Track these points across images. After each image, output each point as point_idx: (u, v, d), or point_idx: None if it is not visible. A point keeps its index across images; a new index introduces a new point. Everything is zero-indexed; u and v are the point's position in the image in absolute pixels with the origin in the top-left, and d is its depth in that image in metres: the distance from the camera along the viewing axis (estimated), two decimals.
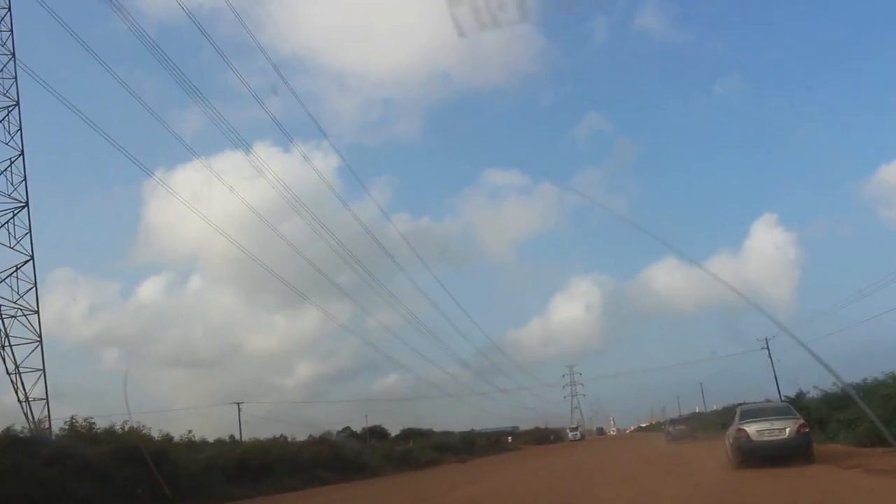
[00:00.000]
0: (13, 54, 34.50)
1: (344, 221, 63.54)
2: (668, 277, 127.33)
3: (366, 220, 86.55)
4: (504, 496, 19.77)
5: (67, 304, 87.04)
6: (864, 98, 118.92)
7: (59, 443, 22.78)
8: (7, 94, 34.15)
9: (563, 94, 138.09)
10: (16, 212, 33.64)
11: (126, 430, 25.28)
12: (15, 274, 32.94)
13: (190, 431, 31.75)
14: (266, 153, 66.79)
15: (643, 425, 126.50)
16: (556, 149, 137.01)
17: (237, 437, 45.23)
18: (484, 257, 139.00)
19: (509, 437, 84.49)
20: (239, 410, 58.67)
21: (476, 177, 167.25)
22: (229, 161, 71.78)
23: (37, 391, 31.80)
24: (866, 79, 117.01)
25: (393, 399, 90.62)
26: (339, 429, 64.68)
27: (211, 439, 36.54)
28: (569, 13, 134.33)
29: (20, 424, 24.10)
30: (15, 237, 33.37)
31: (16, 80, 34.45)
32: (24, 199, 33.95)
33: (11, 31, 34.86)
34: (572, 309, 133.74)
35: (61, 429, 25.52)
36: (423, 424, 73.58)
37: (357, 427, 67.43)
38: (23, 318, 32.65)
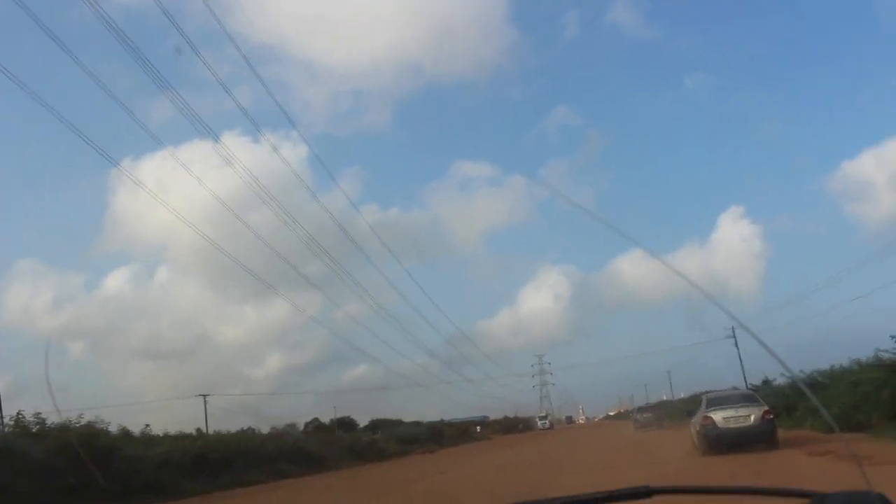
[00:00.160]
0: None
1: (313, 212, 62.46)
2: (634, 269, 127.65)
3: (335, 210, 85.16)
4: (470, 486, 19.25)
5: (32, 297, 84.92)
6: (829, 94, 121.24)
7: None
8: None
9: (534, 88, 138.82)
10: None
11: (79, 424, 24.54)
12: None
13: (147, 425, 30.76)
14: (235, 142, 65.29)
15: (612, 413, 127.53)
16: (525, 142, 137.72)
17: (204, 430, 44.54)
18: (453, 249, 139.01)
19: (478, 427, 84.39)
20: (205, 403, 57.70)
21: (445, 169, 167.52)
22: (198, 150, 69.98)
23: None
24: (832, 75, 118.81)
25: (362, 390, 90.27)
26: (308, 420, 64.27)
27: (177, 432, 35.80)
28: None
29: None
30: None
31: None
32: None
33: None
34: (541, 300, 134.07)
35: (6, 424, 24.47)
36: (393, 415, 73.27)
37: (325, 418, 66.83)
38: None
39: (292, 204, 76.54)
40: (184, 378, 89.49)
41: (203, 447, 28.76)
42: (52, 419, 24.17)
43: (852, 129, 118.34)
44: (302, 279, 67.48)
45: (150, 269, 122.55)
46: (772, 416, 19.31)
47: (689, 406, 40.92)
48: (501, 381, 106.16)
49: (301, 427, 57.05)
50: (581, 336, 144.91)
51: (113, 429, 27.10)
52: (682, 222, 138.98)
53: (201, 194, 60.31)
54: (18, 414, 23.07)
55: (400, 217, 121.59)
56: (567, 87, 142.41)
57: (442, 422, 78.87)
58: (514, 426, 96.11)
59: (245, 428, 41.29)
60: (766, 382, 40.49)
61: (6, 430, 23.93)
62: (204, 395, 57.89)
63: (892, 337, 21.18)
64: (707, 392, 26.21)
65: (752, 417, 18.93)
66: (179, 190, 60.08)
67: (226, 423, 57.32)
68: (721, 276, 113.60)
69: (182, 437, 31.42)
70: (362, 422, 70.79)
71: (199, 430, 43.85)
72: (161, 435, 32.34)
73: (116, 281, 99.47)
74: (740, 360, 59.81)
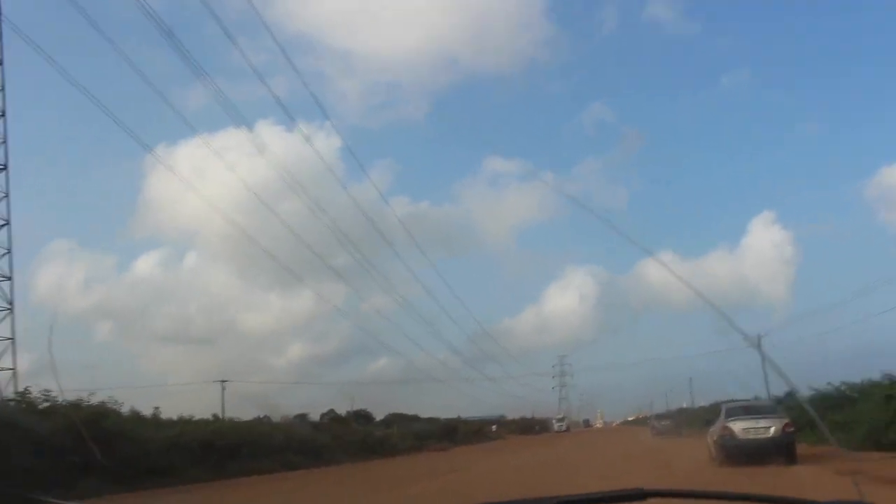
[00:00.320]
0: None
1: (343, 203, 62.45)
2: (662, 271, 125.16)
3: (365, 202, 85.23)
4: (474, 491, 18.72)
5: (63, 276, 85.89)
6: (869, 96, 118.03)
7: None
8: None
9: (570, 83, 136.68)
10: None
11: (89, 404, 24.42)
12: None
13: (157, 408, 30.54)
14: (269, 131, 65.24)
15: (630, 419, 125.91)
16: (559, 138, 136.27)
17: (221, 416, 44.48)
18: (481, 244, 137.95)
19: (494, 426, 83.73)
20: (222, 389, 57.76)
21: (478, 163, 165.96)
22: (232, 138, 70.25)
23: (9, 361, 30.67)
24: (872, 78, 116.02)
25: (382, 383, 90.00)
26: (324, 411, 64.11)
27: (197, 417, 35.82)
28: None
29: None
30: None
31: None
32: (3, 162, 32.64)
33: None
34: (566, 299, 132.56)
35: (11, 399, 24.38)
36: (411, 410, 72.76)
37: (342, 410, 66.64)
38: None
39: (323, 194, 76.49)
40: (207, 363, 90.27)
41: (211, 433, 28.51)
42: (66, 397, 24.27)
43: (892, 133, 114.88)
44: (329, 270, 67.32)
45: (180, 254, 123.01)
46: (792, 430, 18.85)
47: (709, 415, 40.09)
48: (521, 380, 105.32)
49: (317, 418, 56.96)
50: (604, 338, 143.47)
51: (125, 410, 27.13)
52: (713, 225, 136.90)
53: (233, 182, 60.38)
54: (25, 389, 22.95)
55: (430, 211, 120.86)
56: (603, 83, 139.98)
57: (458, 419, 78.42)
58: (530, 427, 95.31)
59: (262, 416, 41.24)
60: (790, 394, 39.31)
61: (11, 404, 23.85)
62: (222, 381, 58.17)
63: None
64: (727, 401, 25.81)
65: (773, 430, 18.56)
66: (212, 177, 60.48)
67: (244, 410, 57.38)
68: (751, 282, 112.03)
69: (190, 422, 31.14)
70: (379, 415, 70.47)
71: (215, 415, 43.93)
72: (174, 419, 32.23)
73: (147, 264, 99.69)
74: (764, 369, 58.48)
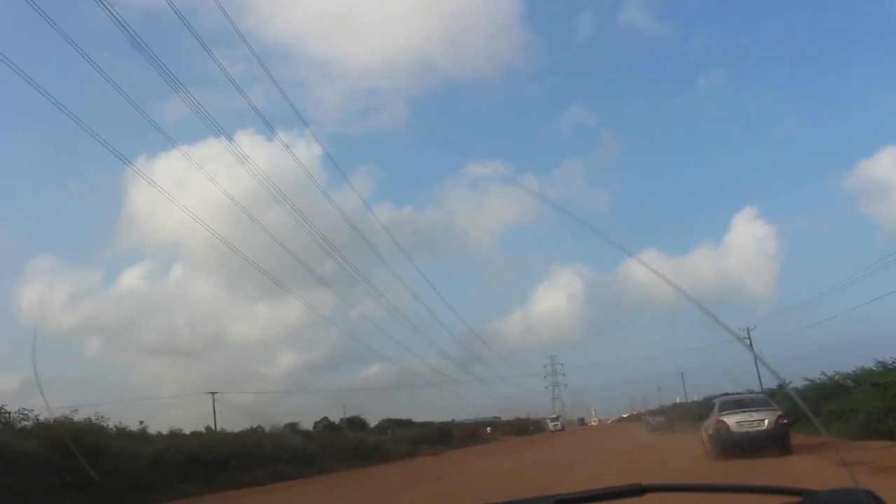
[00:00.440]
0: None
1: (327, 211, 62.15)
2: (648, 270, 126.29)
3: (348, 209, 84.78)
4: (468, 494, 18.32)
5: (48, 293, 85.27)
6: (845, 92, 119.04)
7: None
8: None
9: (548, 87, 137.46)
10: None
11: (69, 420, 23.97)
12: None
13: (142, 422, 30.02)
14: (250, 141, 64.71)
15: (624, 416, 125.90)
16: (539, 141, 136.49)
17: (212, 428, 44.01)
18: (466, 248, 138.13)
19: (488, 428, 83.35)
20: (213, 401, 57.26)
21: (459, 167, 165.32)
22: (212, 149, 69.59)
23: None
24: (848, 74, 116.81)
25: (374, 389, 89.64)
26: (317, 419, 63.57)
27: (189, 430, 35.65)
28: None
29: None
30: None
31: None
32: None
33: None
34: (554, 299, 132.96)
35: None
36: (405, 415, 72.44)
37: (335, 418, 66.17)
38: None
39: (306, 203, 76.28)
40: (197, 375, 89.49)
41: (198, 446, 28.00)
42: (53, 414, 23.76)
43: (869, 126, 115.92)
44: (315, 278, 66.78)
45: (166, 267, 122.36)
46: (786, 422, 19.01)
47: (703, 409, 40.04)
48: (513, 382, 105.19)
49: (310, 426, 56.50)
50: (594, 337, 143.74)
51: (112, 425, 26.71)
52: (696, 223, 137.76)
53: (215, 193, 59.73)
54: (1, 409, 22.37)
55: (413, 216, 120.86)
56: (581, 87, 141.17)
57: (452, 423, 78.01)
58: (524, 428, 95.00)
59: (255, 426, 40.77)
60: (782, 386, 39.28)
61: None
62: (212, 393, 57.64)
63: None
64: (720, 395, 25.70)
65: (766, 422, 18.71)
66: (194, 188, 59.40)
67: (237, 421, 57.02)
68: (735, 278, 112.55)
69: (176, 436, 30.64)
70: (373, 422, 70.08)
71: (208, 427, 43.44)
72: (162, 433, 31.73)
73: (132, 278, 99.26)
74: (756, 362, 58.54)
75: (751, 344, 59.19)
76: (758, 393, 28.65)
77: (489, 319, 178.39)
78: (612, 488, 1.94)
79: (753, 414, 19.13)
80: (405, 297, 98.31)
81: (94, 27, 76.60)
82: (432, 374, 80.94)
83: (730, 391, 32.88)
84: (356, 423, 67.09)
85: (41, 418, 23.92)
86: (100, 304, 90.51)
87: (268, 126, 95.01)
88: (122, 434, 26.81)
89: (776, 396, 33.07)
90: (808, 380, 30.08)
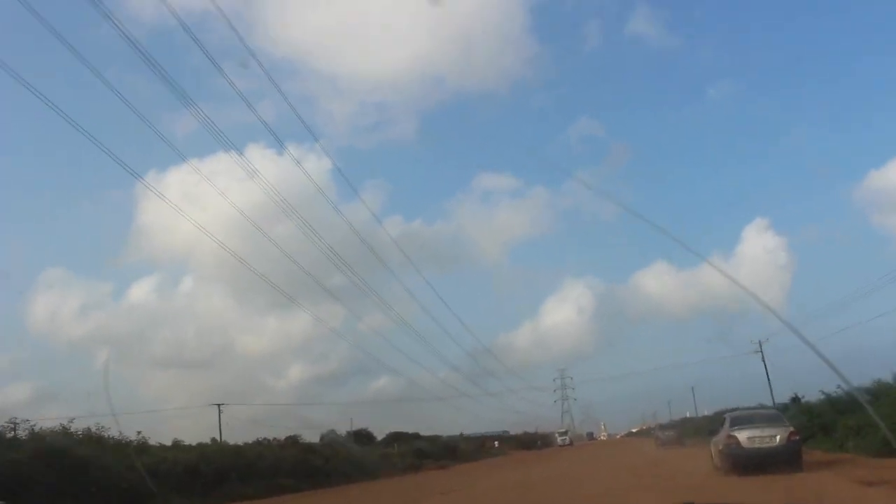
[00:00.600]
0: None
1: (337, 224, 62.00)
2: (658, 281, 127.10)
3: (358, 222, 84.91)
4: None
5: (59, 305, 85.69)
6: (854, 103, 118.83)
7: None
8: None
9: (556, 98, 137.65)
10: None
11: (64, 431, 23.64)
12: None
13: (139, 433, 29.46)
14: (260, 155, 64.87)
15: (634, 430, 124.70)
16: (548, 153, 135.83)
17: (218, 439, 43.49)
18: (476, 260, 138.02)
19: (496, 442, 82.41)
20: (219, 412, 56.75)
21: (469, 180, 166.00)
22: (223, 163, 69.70)
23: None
24: (857, 83, 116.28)
25: (383, 402, 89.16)
26: (324, 432, 62.95)
27: (195, 442, 35.19)
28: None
29: None
30: None
31: None
32: None
33: None
34: (564, 312, 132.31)
35: None
36: (413, 428, 71.63)
37: (342, 430, 65.51)
38: None
39: (316, 216, 76.13)
40: (206, 387, 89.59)
41: (197, 458, 27.39)
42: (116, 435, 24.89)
43: (879, 137, 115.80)
44: (325, 291, 66.44)
45: (176, 279, 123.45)
46: (797, 438, 18.97)
47: (713, 424, 39.37)
48: (522, 396, 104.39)
49: (317, 439, 55.84)
50: (604, 350, 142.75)
51: (113, 436, 26.32)
52: (706, 234, 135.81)
53: (226, 206, 59.58)
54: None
55: (423, 229, 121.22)
56: (589, 98, 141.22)
57: (460, 436, 77.16)
58: (532, 442, 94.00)
59: (261, 439, 40.28)
60: (796, 400, 38.56)
61: None
62: (218, 405, 57.12)
63: None
64: (730, 410, 25.22)
65: (778, 438, 18.53)
66: (205, 201, 59.42)
67: (246, 433, 56.66)
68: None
69: (174, 447, 30.06)
70: (380, 435, 69.37)
71: (213, 439, 42.85)
72: (163, 444, 31.16)
73: (142, 290, 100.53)
74: (767, 376, 57.70)
75: (763, 357, 58.32)
76: (770, 408, 28.01)
77: (498, 333, 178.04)
78: None
79: (765, 430, 18.88)
80: (414, 310, 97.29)
81: (106, 43, 77.38)
82: (441, 387, 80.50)
83: (741, 405, 32.08)
84: (363, 436, 66.42)
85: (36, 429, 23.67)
86: (110, 316, 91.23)
87: (278, 140, 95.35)
88: (119, 446, 26.24)
89: (789, 411, 32.30)
90: (825, 393, 29.21)
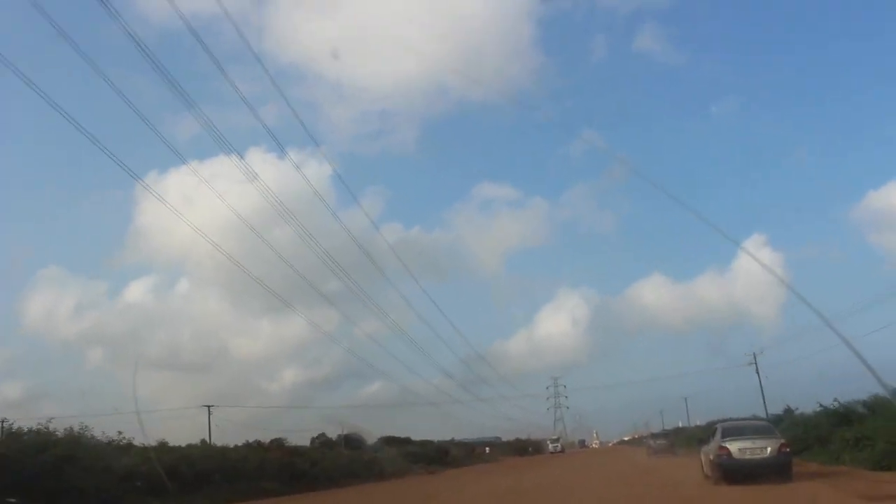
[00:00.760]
0: None
1: (335, 229, 61.93)
2: (654, 293, 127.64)
3: (357, 228, 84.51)
4: None
5: (55, 303, 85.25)
6: (856, 122, 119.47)
7: None
8: None
9: (559, 111, 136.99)
10: None
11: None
12: None
13: (120, 432, 28.85)
14: (261, 159, 64.58)
15: (626, 439, 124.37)
16: (549, 164, 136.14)
17: (208, 441, 43.00)
18: (473, 269, 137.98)
19: (487, 448, 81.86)
20: (209, 414, 56.23)
21: (468, 189, 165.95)
22: (224, 165, 69.25)
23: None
24: (859, 104, 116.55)
25: (376, 407, 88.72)
26: (314, 436, 62.32)
27: (185, 443, 34.87)
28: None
29: None
30: None
31: None
32: None
33: None
34: (559, 322, 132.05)
35: None
36: (405, 433, 71.00)
37: (333, 434, 64.94)
38: None
39: (316, 221, 75.84)
40: (200, 389, 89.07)
41: (178, 460, 26.79)
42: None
43: (878, 158, 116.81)
44: (321, 296, 66.10)
45: (172, 281, 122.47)
46: (788, 450, 19.08)
47: (705, 434, 39.13)
48: (516, 403, 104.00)
49: (307, 442, 55.28)
50: (598, 359, 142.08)
51: (98, 436, 25.95)
52: (704, 249, 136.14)
53: (224, 209, 59.22)
54: None
55: (421, 236, 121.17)
56: (593, 111, 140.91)
57: (451, 441, 76.65)
58: (524, 449, 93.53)
59: (251, 442, 39.71)
60: (789, 411, 38.40)
61: None
62: (208, 407, 56.62)
63: None
64: (722, 421, 25.17)
65: (769, 449, 18.66)
66: (203, 204, 58.95)
67: (236, 436, 56.44)
68: (741, 304, 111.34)
69: (155, 449, 29.39)
70: (371, 439, 68.79)
71: (203, 441, 42.32)
72: (150, 446, 30.58)
73: (138, 291, 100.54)
74: (761, 387, 57.44)
75: (757, 369, 58.02)
76: (761, 420, 27.90)
77: (493, 340, 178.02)
78: None
79: (756, 441, 18.96)
80: (409, 316, 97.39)
81: (113, 42, 76.72)
82: (434, 393, 79.89)
83: (734, 416, 31.87)
84: (353, 440, 65.86)
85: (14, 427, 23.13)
86: (105, 316, 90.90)
87: (279, 144, 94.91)
88: (98, 446, 25.63)
89: (783, 423, 31.94)
90: (822, 406, 28.88)
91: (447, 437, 78.29)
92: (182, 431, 73.63)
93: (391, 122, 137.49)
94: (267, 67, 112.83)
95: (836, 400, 27.32)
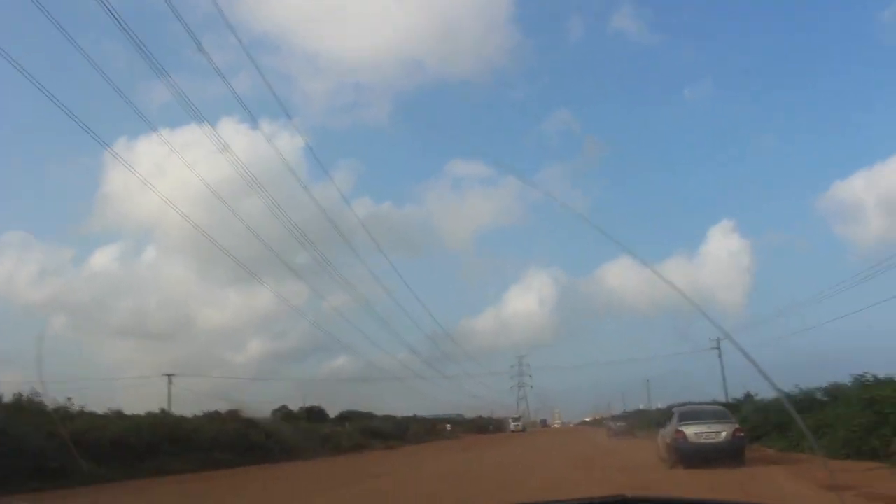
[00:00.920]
0: None
1: (305, 202, 60.88)
2: (622, 276, 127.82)
3: (328, 202, 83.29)
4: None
5: (18, 268, 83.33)
6: (827, 113, 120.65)
7: None
8: None
9: (535, 90, 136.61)
10: None
11: None
12: None
13: (69, 398, 27.96)
14: (233, 129, 63.24)
15: (588, 420, 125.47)
16: (523, 143, 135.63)
17: (167, 410, 42.11)
18: (443, 246, 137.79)
19: (448, 425, 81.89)
20: (169, 383, 55.35)
21: (441, 166, 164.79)
22: (195, 135, 67.52)
23: None
24: (830, 94, 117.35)
25: (340, 381, 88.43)
26: (276, 408, 61.71)
27: (145, 412, 34.32)
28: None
29: None
30: None
31: None
32: None
33: None
34: (526, 301, 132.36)
35: None
36: (369, 408, 70.76)
37: (295, 407, 64.41)
38: None
39: (286, 193, 74.89)
40: (164, 358, 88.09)
41: (125, 430, 25.97)
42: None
43: (846, 149, 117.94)
44: (288, 268, 65.22)
45: (139, 249, 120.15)
46: (742, 435, 19.68)
47: (664, 417, 39.38)
48: (480, 380, 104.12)
49: (268, 414, 54.50)
50: (564, 340, 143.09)
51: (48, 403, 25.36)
52: (673, 233, 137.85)
53: (194, 178, 57.89)
54: None
55: (392, 212, 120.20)
56: (568, 91, 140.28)
57: (413, 417, 76.51)
58: (485, 426, 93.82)
59: (211, 412, 38.90)
60: (749, 397, 38.73)
61: None
62: (169, 376, 55.70)
63: None
64: (680, 405, 25.38)
65: (724, 434, 19.15)
66: (173, 172, 57.56)
67: (198, 406, 55.76)
68: (708, 289, 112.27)
69: (105, 417, 28.60)
70: (334, 413, 68.41)
71: (163, 410, 41.44)
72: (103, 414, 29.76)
73: (104, 258, 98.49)
74: (723, 372, 57.85)
75: (720, 354, 58.41)
76: (717, 405, 28.28)
77: (460, 317, 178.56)
78: (597, 498, 1.96)
79: (712, 425, 19.43)
80: (377, 291, 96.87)
81: (81, 8, 74.17)
82: (399, 368, 79.68)
83: (695, 400, 32.01)
84: (316, 413, 65.40)
85: None
86: (69, 283, 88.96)
87: (250, 115, 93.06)
88: (43, 413, 24.71)
89: (743, 408, 32.04)
90: (783, 392, 28.78)
91: (410, 413, 78.32)
92: (146, 401, 72.77)
93: (365, 95, 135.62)
94: (240, 36, 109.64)
95: (797, 386, 27.39)
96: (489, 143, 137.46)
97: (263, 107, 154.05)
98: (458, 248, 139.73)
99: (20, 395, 25.98)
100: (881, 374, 24.31)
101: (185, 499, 19.23)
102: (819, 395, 24.49)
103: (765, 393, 34.87)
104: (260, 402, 59.94)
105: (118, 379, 71.67)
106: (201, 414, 37.39)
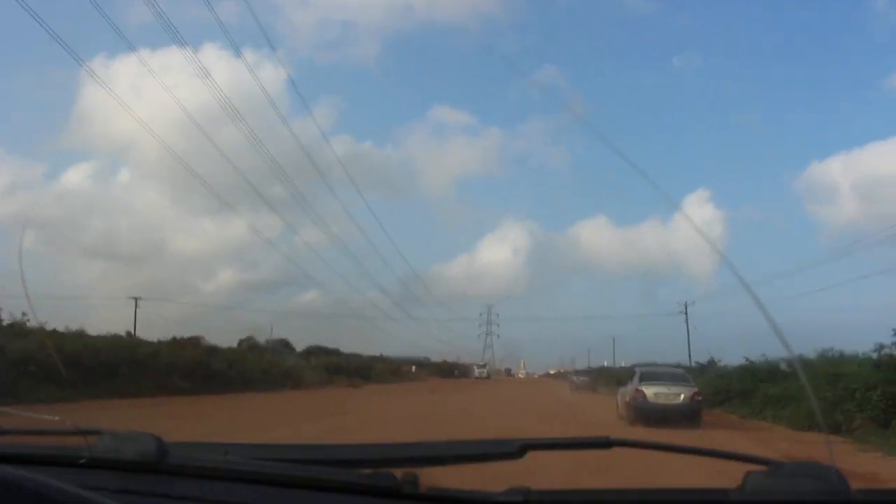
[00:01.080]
0: None
1: (285, 136, 59.56)
2: (597, 234, 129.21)
3: (308, 137, 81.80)
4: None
5: None
6: (810, 93, 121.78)
7: None
8: None
9: (524, 43, 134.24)
10: None
11: None
12: None
13: (24, 314, 27.24)
14: (215, 56, 61.32)
15: (552, 372, 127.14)
16: (508, 94, 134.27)
17: (132, 333, 41.51)
18: (421, 190, 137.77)
19: (413, 367, 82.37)
20: (135, 307, 54.75)
21: (425, 111, 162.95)
22: (176, 57, 65.03)
23: None
24: (816, 75, 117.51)
25: (308, 315, 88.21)
26: (242, 338, 61.38)
27: (107, 334, 33.53)
28: None
29: None
30: None
31: None
32: None
33: None
34: (500, 251, 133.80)
35: None
36: (336, 345, 70.77)
37: (262, 339, 64.05)
38: None
39: (265, 125, 73.30)
40: (134, 282, 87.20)
41: (81, 349, 25.39)
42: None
43: (826, 131, 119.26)
44: (263, 200, 64.23)
45: (113, 169, 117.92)
46: (700, 398, 20.07)
47: (627, 375, 39.92)
48: (448, 326, 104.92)
49: (235, 344, 54.17)
50: (534, 292, 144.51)
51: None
52: (649, 197, 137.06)
53: (172, 102, 56.13)
54: None
55: (372, 151, 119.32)
56: (558, 48, 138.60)
57: (379, 357, 76.77)
58: (450, 371, 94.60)
59: (178, 337, 38.41)
60: (712, 362, 39.31)
61: None
62: (135, 299, 55.04)
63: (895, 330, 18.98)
64: (642, 365, 26.01)
65: (682, 396, 19.59)
66: (151, 95, 55.83)
67: (165, 331, 55.18)
68: (679, 255, 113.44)
69: (58, 335, 27.97)
70: (300, 347, 68.36)
71: (129, 333, 40.88)
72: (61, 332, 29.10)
73: (76, 175, 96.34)
74: (688, 337, 58.57)
75: (686, 319, 58.99)
76: (679, 367, 28.54)
77: (433, 262, 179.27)
78: (580, 438, 1.96)
79: (671, 387, 19.89)
80: (351, 229, 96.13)
81: None
82: (367, 307, 79.74)
83: (659, 361, 32.23)
84: (282, 347, 65.23)
85: None
86: (39, 198, 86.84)
87: (232, 42, 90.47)
88: None
89: (706, 373, 32.31)
90: (748, 360, 29.21)
91: (377, 353, 78.64)
92: (113, 323, 72.25)
93: (353, 33, 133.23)
94: None
95: (763, 355, 27.58)
96: (474, 92, 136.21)
97: (247, 36, 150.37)
98: (436, 193, 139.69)
99: None
100: (846, 351, 24.62)
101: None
102: (783, 367, 24.58)
103: (727, 359, 35.31)
104: (227, 332, 59.78)
105: (85, 299, 71.03)
106: (165, 339, 37.01)
